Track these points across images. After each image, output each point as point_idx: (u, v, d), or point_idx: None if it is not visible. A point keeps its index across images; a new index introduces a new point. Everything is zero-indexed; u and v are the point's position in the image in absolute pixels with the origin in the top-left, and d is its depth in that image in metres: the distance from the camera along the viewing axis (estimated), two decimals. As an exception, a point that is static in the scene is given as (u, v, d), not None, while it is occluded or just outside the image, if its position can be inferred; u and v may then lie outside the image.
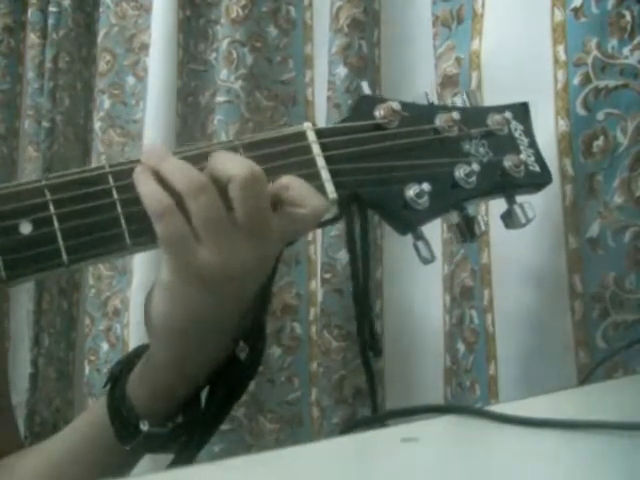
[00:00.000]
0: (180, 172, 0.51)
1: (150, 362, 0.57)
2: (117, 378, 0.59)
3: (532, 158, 0.61)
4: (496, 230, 0.72)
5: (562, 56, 0.71)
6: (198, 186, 0.50)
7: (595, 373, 0.63)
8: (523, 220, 0.60)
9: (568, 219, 0.70)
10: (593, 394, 0.53)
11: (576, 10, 0.70)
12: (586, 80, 0.69)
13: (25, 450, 0.67)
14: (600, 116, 0.69)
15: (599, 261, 0.68)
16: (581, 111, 0.69)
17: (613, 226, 0.68)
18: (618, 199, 0.68)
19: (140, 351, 0.59)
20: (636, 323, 0.67)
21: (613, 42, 0.68)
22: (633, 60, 0.68)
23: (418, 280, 0.85)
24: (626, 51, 0.68)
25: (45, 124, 1.14)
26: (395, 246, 0.86)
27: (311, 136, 0.56)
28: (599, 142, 0.69)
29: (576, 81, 0.69)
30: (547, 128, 0.70)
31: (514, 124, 0.62)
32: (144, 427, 0.56)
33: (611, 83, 0.68)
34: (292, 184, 0.53)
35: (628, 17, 0.68)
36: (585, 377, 0.64)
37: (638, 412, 0.41)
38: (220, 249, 0.50)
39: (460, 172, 0.58)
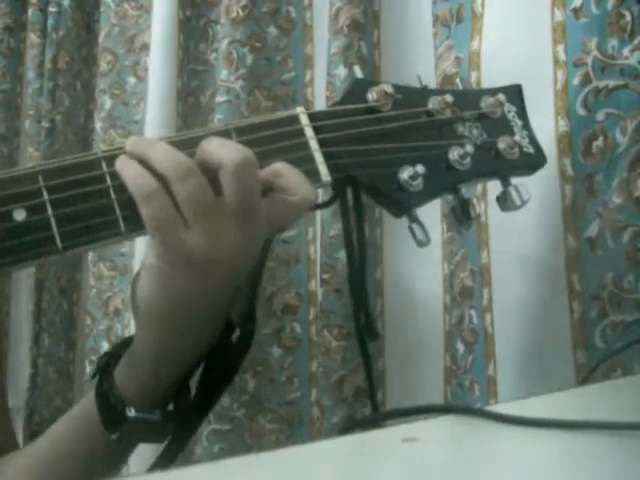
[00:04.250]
0: (166, 157, 0.51)
1: (136, 349, 0.57)
2: (105, 368, 0.59)
3: (526, 140, 0.62)
4: (495, 230, 0.72)
5: (562, 56, 0.71)
6: (185, 170, 0.50)
7: (593, 373, 0.63)
8: (518, 202, 0.60)
9: (567, 219, 0.70)
10: (593, 394, 0.53)
11: (576, 10, 0.70)
12: (586, 80, 0.69)
13: (17, 451, 0.67)
14: (600, 116, 0.69)
15: (598, 261, 0.68)
16: (581, 111, 0.69)
17: (612, 226, 0.68)
18: (617, 199, 0.68)
19: (127, 342, 0.59)
20: (634, 323, 0.67)
21: (613, 42, 0.68)
22: (633, 60, 0.68)
23: (418, 280, 0.85)
24: (626, 51, 0.68)
25: (45, 124, 1.14)
26: (395, 246, 0.86)
27: (304, 119, 0.56)
28: (599, 142, 0.69)
29: (576, 81, 0.69)
30: (547, 128, 0.70)
31: (507, 106, 0.62)
32: (130, 413, 0.56)
33: (611, 83, 0.68)
34: (284, 171, 0.53)
35: (628, 17, 0.68)
36: (585, 377, 0.65)
37: (637, 412, 0.41)
38: (207, 233, 0.50)
39: (454, 154, 0.58)
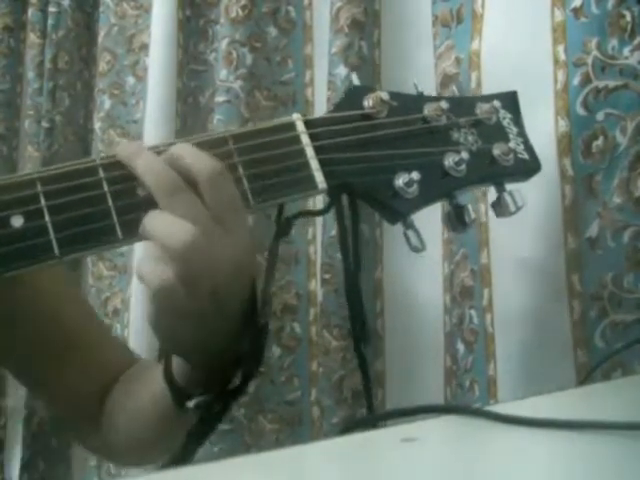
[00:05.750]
0: (152, 171, 0.51)
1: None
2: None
3: (521, 146, 0.62)
4: (496, 230, 0.72)
5: (562, 56, 0.71)
6: (169, 186, 0.50)
7: (594, 373, 0.63)
8: (512, 208, 0.60)
9: (567, 219, 0.70)
10: (593, 394, 0.53)
11: (576, 10, 0.70)
12: (586, 80, 0.69)
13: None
14: (600, 116, 0.69)
15: (598, 261, 0.68)
16: (581, 111, 0.69)
17: (612, 226, 0.68)
18: (617, 199, 0.68)
19: None
20: (635, 323, 0.67)
21: (613, 42, 0.68)
22: (633, 60, 0.68)
23: (418, 280, 0.85)
24: (626, 51, 0.68)
25: (45, 124, 1.14)
26: (395, 246, 0.86)
27: (300, 127, 0.56)
28: (599, 142, 0.69)
29: (576, 81, 0.69)
30: (547, 128, 0.70)
31: (502, 113, 0.62)
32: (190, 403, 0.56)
33: (611, 83, 0.68)
34: (182, 152, 0.52)
35: (628, 17, 0.68)
36: (585, 377, 0.65)
37: (638, 412, 0.41)
38: (204, 249, 0.50)
39: (450, 160, 0.58)
